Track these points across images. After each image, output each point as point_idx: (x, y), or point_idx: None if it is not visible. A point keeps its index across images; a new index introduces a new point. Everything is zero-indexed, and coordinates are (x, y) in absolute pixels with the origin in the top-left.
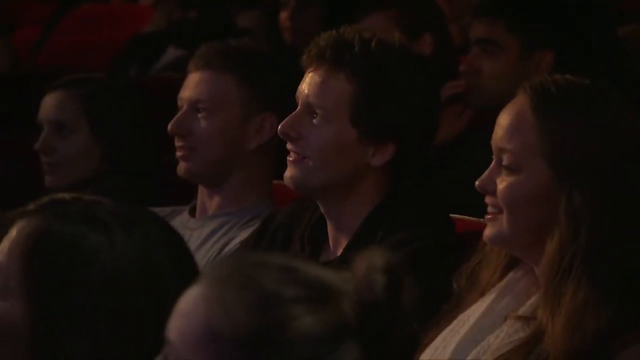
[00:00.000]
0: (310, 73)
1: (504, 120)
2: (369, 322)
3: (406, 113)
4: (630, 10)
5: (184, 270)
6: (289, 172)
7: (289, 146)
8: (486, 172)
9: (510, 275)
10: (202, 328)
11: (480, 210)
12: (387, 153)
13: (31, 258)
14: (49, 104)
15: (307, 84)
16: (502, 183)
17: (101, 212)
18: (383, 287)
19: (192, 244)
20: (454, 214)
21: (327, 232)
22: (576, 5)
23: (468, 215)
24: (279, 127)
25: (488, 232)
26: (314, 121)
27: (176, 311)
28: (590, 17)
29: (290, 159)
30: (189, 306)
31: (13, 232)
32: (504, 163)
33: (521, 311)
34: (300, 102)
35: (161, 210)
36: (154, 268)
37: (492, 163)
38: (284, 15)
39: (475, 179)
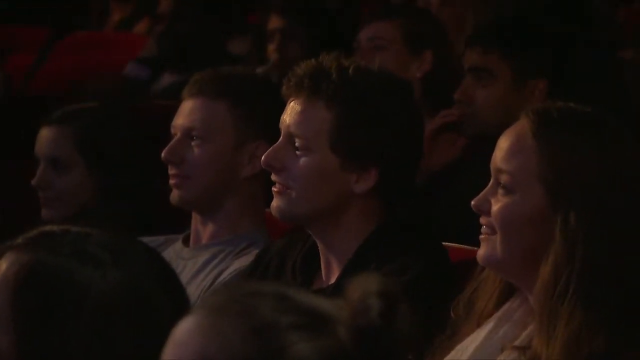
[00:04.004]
0: (291, 103)
1: (504, 142)
2: (364, 347)
3: (386, 138)
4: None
5: (176, 301)
6: (274, 203)
7: (273, 177)
8: (482, 192)
9: (507, 304)
10: (197, 357)
11: (473, 238)
12: (370, 179)
13: (21, 293)
14: (43, 139)
15: (288, 114)
16: (497, 204)
17: (91, 245)
18: (378, 312)
19: (186, 274)
20: (446, 241)
21: (319, 261)
22: (569, 34)
23: (461, 243)
24: (263, 158)
25: (481, 252)
26: (297, 151)
27: (171, 340)
28: (584, 45)
29: (275, 189)
30: (183, 335)
31: (2, 266)
32: (500, 184)
33: (518, 342)
34: (282, 133)
35: (154, 240)
36: (145, 300)
37: (489, 184)
38: (270, 47)
39: (468, 207)
